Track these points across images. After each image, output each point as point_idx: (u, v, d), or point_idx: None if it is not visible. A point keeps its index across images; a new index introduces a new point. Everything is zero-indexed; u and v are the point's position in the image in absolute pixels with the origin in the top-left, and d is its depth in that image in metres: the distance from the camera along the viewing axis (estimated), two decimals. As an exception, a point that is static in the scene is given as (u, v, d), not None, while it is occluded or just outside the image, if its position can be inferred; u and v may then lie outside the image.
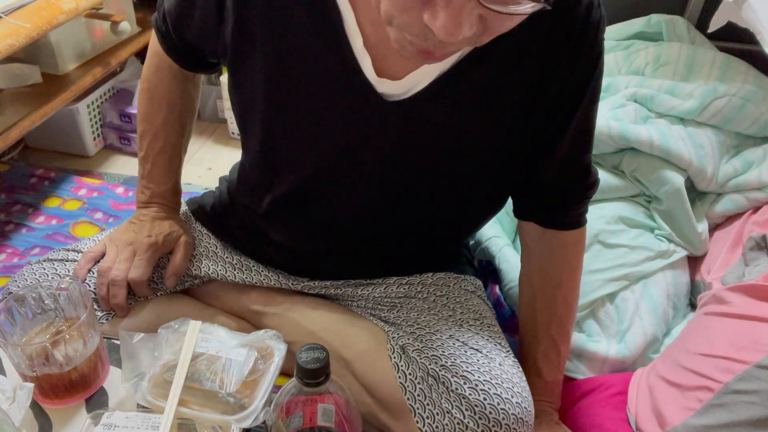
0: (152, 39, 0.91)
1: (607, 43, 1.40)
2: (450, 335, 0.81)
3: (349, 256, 0.89)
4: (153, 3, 1.92)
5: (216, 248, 0.95)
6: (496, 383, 0.74)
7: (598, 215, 1.13)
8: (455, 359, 0.77)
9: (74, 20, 1.33)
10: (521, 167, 0.79)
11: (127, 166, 1.64)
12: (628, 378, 0.96)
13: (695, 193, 1.20)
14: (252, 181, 0.87)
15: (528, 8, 0.50)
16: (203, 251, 0.95)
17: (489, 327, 0.83)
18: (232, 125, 1.78)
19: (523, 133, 0.75)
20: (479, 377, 0.75)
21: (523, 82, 0.71)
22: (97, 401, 0.72)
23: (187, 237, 0.93)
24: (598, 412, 0.89)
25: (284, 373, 0.97)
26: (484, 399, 0.73)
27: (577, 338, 1.03)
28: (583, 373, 1.01)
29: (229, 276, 0.93)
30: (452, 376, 0.75)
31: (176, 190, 0.97)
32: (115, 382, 0.74)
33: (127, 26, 1.47)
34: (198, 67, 0.89)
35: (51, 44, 1.40)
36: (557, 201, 0.82)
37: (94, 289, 0.86)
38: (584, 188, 0.82)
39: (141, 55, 1.74)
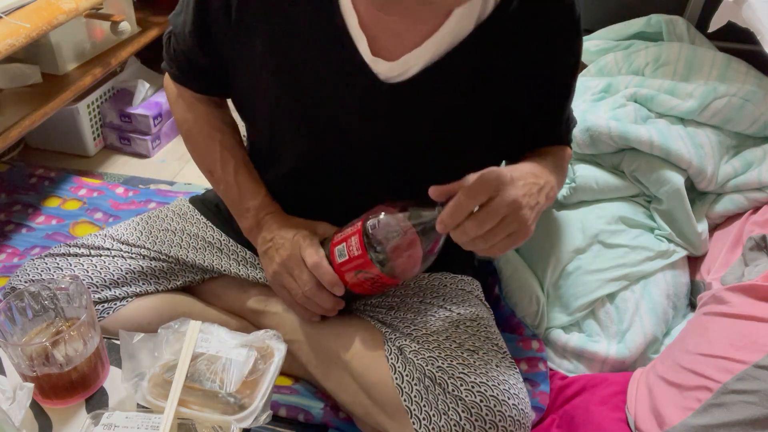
0: (167, 87, 0.94)
1: (607, 44, 1.40)
2: (447, 336, 0.81)
3: None
4: (153, 3, 1.91)
5: (221, 243, 0.95)
6: (493, 385, 0.75)
7: (598, 215, 1.13)
8: (452, 361, 0.77)
9: (74, 20, 1.32)
10: (513, 134, 0.85)
11: (126, 166, 1.64)
12: (627, 378, 0.96)
13: (695, 193, 1.19)
14: (257, 160, 0.91)
15: None
16: (210, 241, 0.95)
17: (486, 328, 0.83)
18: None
19: (514, 108, 0.81)
20: (475, 379, 0.75)
21: (514, 65, 0.76)
22: (97, 401, 0.72)
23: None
24: (597, 411, 0.89)
25: (284, 373, 0.97)
26: (481, 401, 0.73)
27: (577, 338, 1.03)
28: (583, 373, 1.01)
29: (233, 270, 0.93)
30: (449, 378, 0.75)
31: (272, 198, 0.91)
32: (115, 382, 0.74)
33: (127, 26, 1.47)
34: (216, 88, 0.90)
35: (51, 44, 1.40)
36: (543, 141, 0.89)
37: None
38: (568, 129, 0.91)
39: (141, 55, 1.74)
